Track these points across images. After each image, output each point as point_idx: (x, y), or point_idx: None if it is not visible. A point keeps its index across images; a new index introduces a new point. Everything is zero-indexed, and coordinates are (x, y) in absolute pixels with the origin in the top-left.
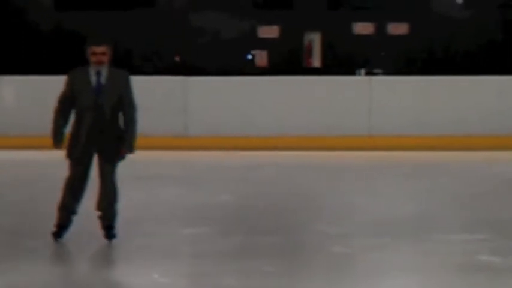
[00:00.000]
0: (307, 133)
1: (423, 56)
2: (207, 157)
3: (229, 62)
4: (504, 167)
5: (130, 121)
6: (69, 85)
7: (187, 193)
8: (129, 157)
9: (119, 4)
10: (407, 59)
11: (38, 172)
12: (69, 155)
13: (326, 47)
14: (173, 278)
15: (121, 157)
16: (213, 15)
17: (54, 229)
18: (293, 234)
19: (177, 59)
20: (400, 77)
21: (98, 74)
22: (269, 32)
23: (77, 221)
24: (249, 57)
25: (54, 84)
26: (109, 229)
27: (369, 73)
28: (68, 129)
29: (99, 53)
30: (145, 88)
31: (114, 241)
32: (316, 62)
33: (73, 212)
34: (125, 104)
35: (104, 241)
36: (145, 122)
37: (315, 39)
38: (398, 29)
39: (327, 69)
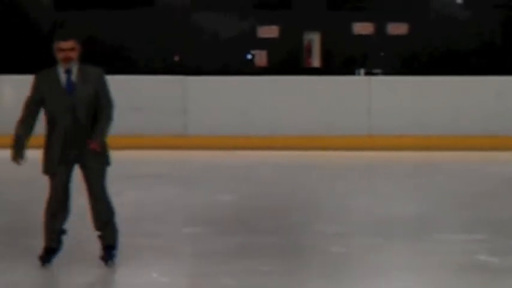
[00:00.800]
0: (306, 133)
1: (423, 56)
2: (206, 157)
3: (229, 61)
4: (503, 167)
5: (106, 117)
6: (37, 88)
7: (187, 193)
8: (129, 156)
9: (118, 3)
10: (406, 59)
11: (37, 171)
12: (46, 170)
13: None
14: (172, 277)
15: (100, 163)
16: (213, 15)
17: (40, 252)
18: (292, 234)
19: (176, 58)
20: (399, 77)
21: (68, 72)
22: (269, 32)
23: (76, 221)
24: (249, 57)
25: None
26: (109, 249)
27: (368, 73)
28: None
29: (67, 48)
30: (145, 87)
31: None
32: (316, 62)
33: (61, 232)
34: (101, 102)
35: None
36: (145, 121)
37: (314, 39)
38: (397, 29)
39: (326, 69)
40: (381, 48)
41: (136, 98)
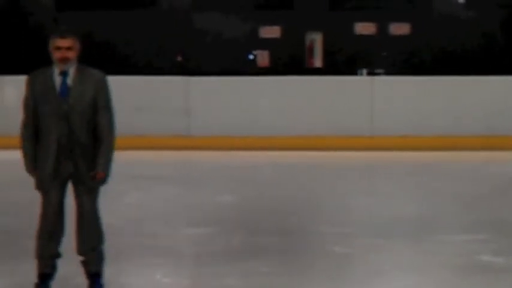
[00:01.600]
0: (308, 133)
1: (425, 56)
2: (209, 157)
3: (231, 62)
4: (505, 167)
5: (106, 131)
6: (30, 91)
7: (189, 193)
8: (132, 157)
9: (120, 4)
10: (409, 59)
11: None
12: (38, 186)
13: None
14: (175, 278)
15: (96, 182)
16: (215, 16)
17: (36, 280)
18: (294, 235)
19: (179, 59)
20: (402, 77)
21: (64, 74)
22: (271, 32)
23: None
24: (251, 57)
25: None
26: (95, 277)
27: (370, 73)
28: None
29: (65, 47)
30: (148, 88)
31: (116, 241)
32: (318, 62)
33: (56, 255)
34: (99, 110)
35: (106, 238)
36: (148, 122)
37: (316, 40)
38: (400, 29)
39: (328, 69)
40: (383, 48)
41: (139, 98)
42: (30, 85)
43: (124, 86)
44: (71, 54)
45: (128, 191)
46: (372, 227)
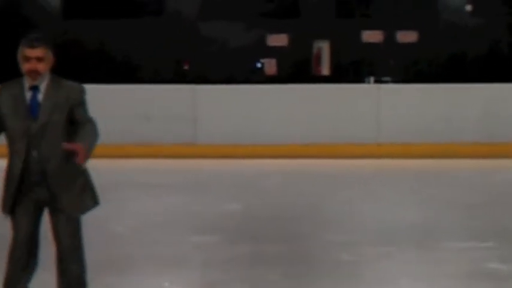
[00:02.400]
0: (315, 141)
1: (432, 63)
2: (216, 165)
3: (238, 70)
4: (510, 175)
5: (91, 129)
6: None
7: (195, 201)
8: (138, 165)
9: (127, 12)
10: (416, 67)
11: None
12: (3, 209)
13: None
14: (183, 286)
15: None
16: (222, 24)
17: None
18: (300, 243)
19: (185, 67)
20: (408, 84)
21: (34, 89)
22: (278, 40)
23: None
24: (258, 65)
25: None
26: None
27: (377, 81)
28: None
29: (34, 57)
30: (154, 96)
31: (122, 249)
32: (325, 70)
33: None
34: (80, 119)
35: (113, 246)
36: (154, 130)
37: (323, 47)
38: (407, 37)
39: (336, 77)
40: (390, 56)
41: (146, 107)
42: None
43: (131, 94)
44: (42, 67)
45: (134, 199)
46: (378, 235)
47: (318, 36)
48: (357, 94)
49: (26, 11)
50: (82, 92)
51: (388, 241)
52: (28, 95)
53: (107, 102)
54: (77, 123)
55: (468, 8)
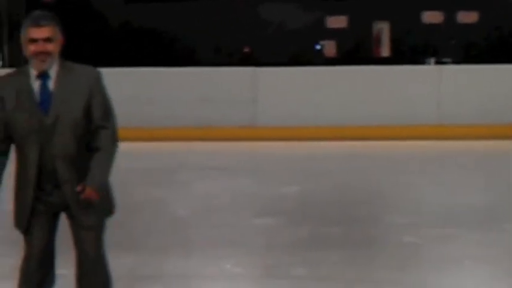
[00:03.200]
0: (376, 123)
1: (493, 44)
2: (276, 148)
3: (299, 52)
4: None
5: (105, 151)
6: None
7: (256, 184)
8: (198, 148)
9: None
10: (476, 47)
11: None
12: (17, 224)
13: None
14: (246, 268)
15: (93, 212)
16: (282, 7)
17: None
18: (362, 225)
19: (246, 49)
20: (470, 65)
21: (43, 77)
22: (337, 22)
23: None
24: (318, 47)
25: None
26: None
27: (438, 62)
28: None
29: (42, 38)
30: (215, 79)
31: (183, 232)
32: (385, 52)
33: None
34: (95, 117)
35: (176, 229)
36: (214, 113)
37: (383, 29)
38: (468, 17)
39: (396, 59)
40: (451, 36)
41: (206, 89)
42: (1, 91)
43: (191, 77)
44: (51, 48)
45: (195, 182)
46: (440, 217)
47: (377, 17)
48: (417, 75)
49: None
50: (99, 77)
51: (450, 223)
52: (36, 84)
53: (168, 85)
54: (91, 128)
55: None
